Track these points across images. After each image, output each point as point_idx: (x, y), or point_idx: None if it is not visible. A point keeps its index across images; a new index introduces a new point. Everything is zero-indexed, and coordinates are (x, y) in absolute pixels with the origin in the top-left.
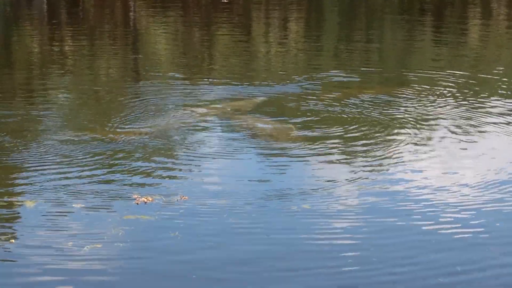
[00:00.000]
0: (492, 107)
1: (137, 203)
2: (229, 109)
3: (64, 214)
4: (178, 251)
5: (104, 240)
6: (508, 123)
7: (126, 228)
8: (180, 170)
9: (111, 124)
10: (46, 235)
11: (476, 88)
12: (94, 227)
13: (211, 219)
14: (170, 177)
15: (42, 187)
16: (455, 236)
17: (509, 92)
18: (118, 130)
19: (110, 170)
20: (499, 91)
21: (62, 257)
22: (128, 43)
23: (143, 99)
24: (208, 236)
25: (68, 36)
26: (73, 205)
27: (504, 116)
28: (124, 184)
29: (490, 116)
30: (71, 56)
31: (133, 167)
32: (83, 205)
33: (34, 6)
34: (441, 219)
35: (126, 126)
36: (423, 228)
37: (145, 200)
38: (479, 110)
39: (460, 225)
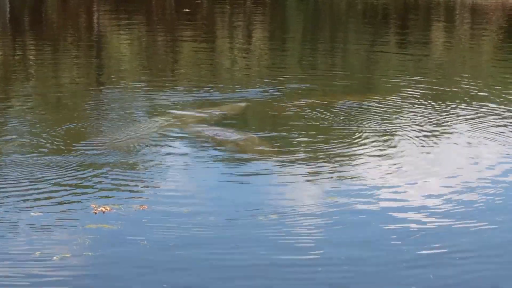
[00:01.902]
0: (457, 113)
1: (95, 213)
2: (191, 118)
3: (24, 223)
4: (149, 260)
5: (72, 249)
6: (473, 130)
7: (91, 237)
8: (139, 180)
9: (71, 133)
10: (10, 245)
11: (440, 94)
12: (57, 237)
13: (175, 228)
14: (128, 187)
15: (0, 193)
16: (423, 251)
17: (474, 98)
18: (78, 138)
19: (68, 179)
20: (464, 97)
21: (33, 267)
22: (91, 50)
23: (105, 107)
24: (176, 245)
25: (31, 42)
26: (31, 214)
27: (469, 122)
28: (82, 194)
29: (455, 123)
30: (33, 63)
31: (90, 177)
32: (41, 214)
33: None
34: (407, 231)
35: (87, 135)
36: (392, 242)
37: (103, 209)
38: (444, 116)
39: (426, 239)
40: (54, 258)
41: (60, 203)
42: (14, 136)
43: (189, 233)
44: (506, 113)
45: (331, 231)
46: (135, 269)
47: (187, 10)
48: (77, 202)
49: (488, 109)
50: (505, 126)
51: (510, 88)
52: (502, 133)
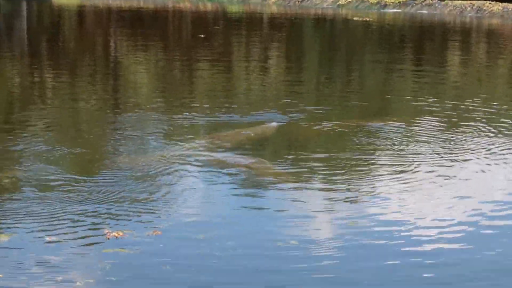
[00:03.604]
0: (474, 136)
1: (108, 238)
2: (207, 143)
3: (40, 248)
4: (173, 284)
5: (94, 274)
6: (491, 154)
7: (110, 261)
8: (152, 205)
9: (86, 158)
10: (31, 271)
11: (457, 117)
12: (75, 262)
13: (192, 253)
14: (140, 212)
15: (14, 221)
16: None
17: (490, 121)
18: (92, 163)
19: (80, 204)
20: (481, 120)
21: None
22: (107, 74)
23: (121, 132)
24: (197, 270)
25: (47, 65)
26: (47, 238)
27: (485, 148)
28: (94, 219)
29: (473, 146)
30: (49, 86)
31: (103, 202)
32: (55, 239)
33: (14, 35)
34: (417, 253)
35: (101, 160)
36: (410, 271)
37: (116, 235)
38: (462, 139)
39: (434, 259)
40: (78, 283)
41: (73, 228)
42: (28, 160)
43: (208, 259)
44: None
45: (351, 257)
46: None
47: (202, 36)
48: (90, 227)
49: (505, 131)
50: None
51: None
52: None
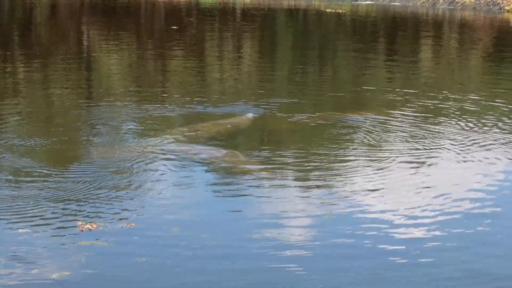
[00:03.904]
0: (447, 128)
1: (82, 230)
2: (182, 135)
3: (13, 241)
4: (150, 275)
5: (70, 266)
6: (465, 148)
7: (86, 254)
8: (125, 198)
9: (59, 150)
10: (5, 264)
11: (430, 109)
12: (50, 254)
13: (167, 245)
14: (113, 205)
15: None
16: (417, 267)
17: (463, 112)
18: (65, 156)
19: (53, 197)
20: (453, 112)
21: (33, 285)
22: (80, 66)
23: (94, 125)
24: (174, 263)
25: (19, 57)
26: (19, 231)
27: (460, 140)
28: (67, 211)
29: (445, 138)
30: (22, 79)
31: (76, 194)
32: (29, 231)
33: None
34: (393, 250)
35: (74, 153)
36: (387, 257)
37: (90, 227)
38: (433, 130)
39: (423, 256)
40: (54, 276)
41: (47, 220)
42: (0, 152)
43: (184, 251)
44: (497, 127)
45: (326, 253)
46: (140, 284)
47: (175, 27)
48: (63, 219)
49: (479, 122)
50: (497, 140)
51: (498, 102)
52: (494, 146)
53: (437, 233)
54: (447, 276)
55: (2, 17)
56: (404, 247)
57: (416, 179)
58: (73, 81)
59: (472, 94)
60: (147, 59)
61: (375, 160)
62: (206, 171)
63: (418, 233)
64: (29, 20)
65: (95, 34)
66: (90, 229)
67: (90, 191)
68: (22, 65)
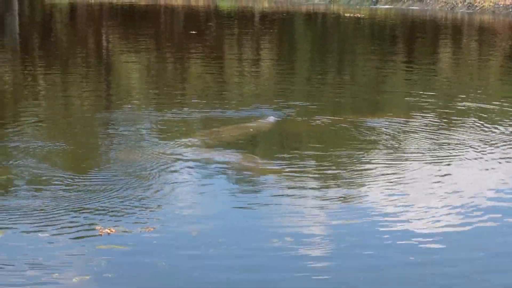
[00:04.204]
0: (467, 131)
1: (101, 235)
2: (203, 139)
3: (33, 245)
4: (170, 279)
5: (90, 271)
6: (483, 152)
7: (105, 258)
8: (144, 202)
9: (77, 155)
10: (26, 268)
11: (450, 113)
12: (70, 258)
13: (187, 249)
14: (132, 209)
15: (7, 218)
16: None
17: (483, 116)
18: (84, 161)
19: (73, 201)
20: (473, 115)
21: None
22: (100, 70)
23: (114, 129)
24: (194, 266)
25: (39, 62)
26: (40, 235)
27: (479, 144)
28: (87, 216)
29: (466, 141)
30: (41, 83)
31: (95, 199)
32: (48, 236)
33: (5, 31)
34: (411, 250)
35: (94, 157)
36: (402, 266)
37: (109, 231)
38: (454, 134)
39: (430, 256)
40: (74, 279)
41: (66, 225)
42: (20, 158)
43: (203, 255)
44: None
45: (345, 255)
46: None
47: (194, 32)
48: (83, 223)
49: (499, 127)
50: None
51: None
52: None
53: (457, 235)
54: (465, 276)
55: (22, 20)
56: (423, 248)
57: (437, 184)
58: (92, 85)
59: (491, 98)
60: (167, 63)
61: (396, 164)
62: (226, 176)
63: (439, 237)
64: (49, 24)
65: (114, 39)
66: (109, 234)
67: (109, 195)
68: (41, 68)
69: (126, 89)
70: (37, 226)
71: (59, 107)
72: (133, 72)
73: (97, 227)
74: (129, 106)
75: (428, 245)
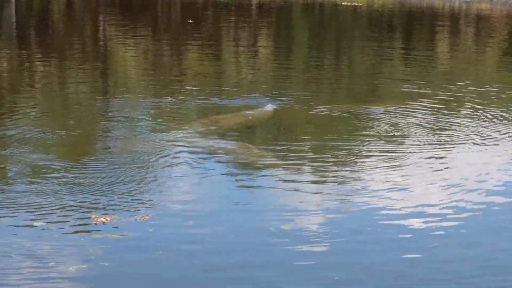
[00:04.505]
0: (464, 120)
1: (96, 223)
2: (201, 128)
3: (29, 234)
4: (168, 268)
5: (87, 259)
6: (480, 142)
7: (102, 246)
8: (139, 191)
9: (74, 143)
10: (22, 257)
11: (447, 101)
12: (66, 247)
13: (183, 238)
14: (127, 198)
15: (2, 207)
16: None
17: (479, 108)
18: (81, 149)
19: (67, 190)
20: (470, 104)
21: (51, 279)
22: (97, 60)
23: (111, 118)
24: (191, 253)
25: (37, 51)
26: (35, 224)
27: (476, 134)
28: (81, 204)
29: (462, 134)
30: (39, 72)
31: (91, 188)
32: (44, 224)
33: (2, 21)
34: (408, 244)
35: (90, 146)
36: (397, 251)
37: (104, 220)
38: (451, 123)
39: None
40: (70, 268)
41: (61, 213)
42: (16, 147)
43: (199, 244)
44: None
45: (341, 246)
46: (157, 276)
47: (191, 21)
48: (78, 212)
49: (496, 116)
50: None
51: None
52: (510, 139)
53: (455, 227)
54: (466, 272)
55: (20, 10)
56: (421, 241)
57: (435, 172)
58: (89, 74)
59: (489, 86)
60: (164, 52)
61: (393, 152)
62: (221, 164)
63: (436, 228)
64: (46, 14)
65: (111, 28)
66: (104, 222)
67: (104, 185)
68: (38, 58)
69: (123, 78)
70: (32, 216)
71: (56, 96)
72: (130, 61)
73: (92, 216)
74: (126, 95)
75: (426, 240)
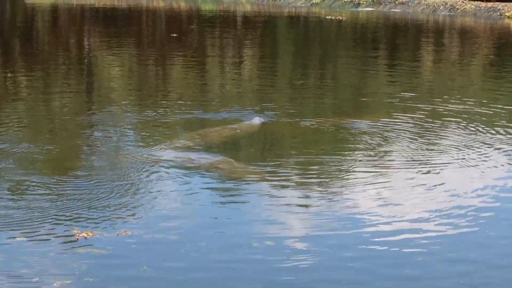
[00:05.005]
0: (448, 132)
1: (77, 239)
2: (184, 142)
3: (11, 250)
4: (153, 282)
5: (71, 275)
6: (465, 154)
7: (85, 262)
8: (121, 206)
9: (59, 157)
10: (3, 273)
11: (431, 114)
12: (49, 262)
13: (166, 253)
14: (109, 213)
15: None
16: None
17: (463, 121)
18: (64, 163)
19: (50, 204)
20: (454, 117)
21: None
22: (81, 73)
23: (94, 132)
24: (175, 268)
25: (20, 64)
26: (17, 240)
27: (461, 146)
28: (63, 220)
29: (447, 143)
30: (23, 85)
31: (73, 203)
32: (25, 239)
33: None
34: (401, 254)
35: (74, 160)
36: (385, 265)
37: (85, 235)
38: (436, 136)
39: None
40: (55, 284)
41: (44, 229)
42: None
43: (183, 259)
44: (499, 131)
45: (327, 256)
46: None
47: (175, 35)
48: (60, 228)
49: (480, 129)
50: (499, 145)
51: (500, 106)
52: (496, 152)
53: (441, 243)
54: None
55: (3, 22)
56: (408, 257)
57: (421, 186)
58: (73, 88)
59: (474, 99)
60: (148, 66)
61: (380, 167)
62: (205, 179)
63: (422, 244)
64: (30, 26)
65: (96, 41)
66: (86, 238)
67: (85, 199)
68: (22, 71)
69: (107, 92)
70: (13, 232)
71: (40, 110)
72: (114, 75)
73: (74, 231)
74: (110, 109)
75: (412, 256)
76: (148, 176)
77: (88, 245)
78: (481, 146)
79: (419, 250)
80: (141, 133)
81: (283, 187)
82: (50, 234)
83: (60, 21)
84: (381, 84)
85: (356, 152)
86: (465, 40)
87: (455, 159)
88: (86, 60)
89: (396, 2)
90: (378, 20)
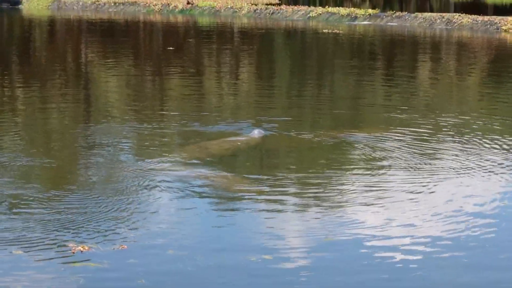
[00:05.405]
0: (445, 147)
1: (73, 252)
2: (183, 156)
3: (7, 263)
4: None
5: None
6: (463, 168)
7: (82, 275)
8: (117, 220)
9: (56, 170)
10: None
11: (429, 128)
12: (47, 276)
13: (164, 267)
14: (105, 227)
15: None
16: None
17: (461, 135)
18: (62, 176)
19: (45, 218)
20: (451, 134)
21: None
22: (78, 88)
23: (91, 145)
24: (170, 283)
25: (17, 77)
26: (12, 253)
27: (458, 160)
28: (59, 233)
29: (445, 157)
30: (20, 98)
31: (69, 216)
32: (21, 253)
33: None
34: (392, 268)
35: (70, 173)
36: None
37: (81, 249)
38: (433, 150)
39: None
40: None
41: (39, 243)
42: None
43: (181, 274)
44: (497, 145)
45: (324, 271)
46: None
47: (171, 48)
48: (55, 242)
49: (478, 143)
50: (496, 160)
51: (497, 119)
52: (493, 165)
53: (441, 255)
54: None
55: (1, 35)
56: (405, 273)
57: (418, 200)
58: (70, 101)
59: (471, 113)
60: (145, 79)
61: (377, 181)
62: (203, 193)
63: (420, 260)
64: (28, 39)
65: (93, 55)
66: (82, 251)
67: (82, 213)
68: (19, 84)
69: (104, 105)
70: (9, 245)
71: (37, 122)
72: (112, 88)
73: (70, 245)
74: (108, 122)
75: (410, 272)
76: (145, 189)
77: (85, 260)
78: (480, 160)
79: (418, 265)
80: (140, 147)
81: (282, 201)
82: (46, 248)
83: (57, 33)
84: (379, 97)
85: (354, 166)
86: (462, 54)
87: (454, 172)
88: (83, 73)
89: (393, 16)
90: (375, 33)
